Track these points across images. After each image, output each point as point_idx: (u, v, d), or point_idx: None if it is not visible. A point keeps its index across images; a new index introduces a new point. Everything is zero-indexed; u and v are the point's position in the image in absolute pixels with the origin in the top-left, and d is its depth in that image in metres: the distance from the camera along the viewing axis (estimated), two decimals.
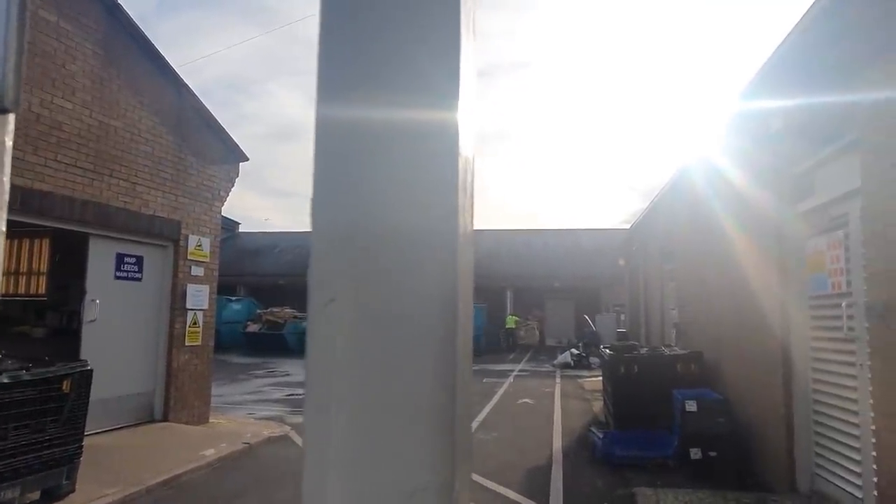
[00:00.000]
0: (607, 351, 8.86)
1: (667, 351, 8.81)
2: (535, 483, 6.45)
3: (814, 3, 4.54)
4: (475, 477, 6.53)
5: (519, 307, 30.77)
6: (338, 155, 0.43)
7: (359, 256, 0.42)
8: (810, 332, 5.49)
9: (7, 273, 10.20)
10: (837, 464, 4.96)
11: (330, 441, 0.41)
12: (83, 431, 5.60)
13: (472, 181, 0.45)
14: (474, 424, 9.62)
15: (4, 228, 0.53)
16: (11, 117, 0.47)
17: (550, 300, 31.36)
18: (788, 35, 5.02)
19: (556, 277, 29.55)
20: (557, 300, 31.06)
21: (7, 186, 0.53)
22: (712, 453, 6.38)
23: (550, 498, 5.97)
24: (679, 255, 11.31)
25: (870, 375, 4.26)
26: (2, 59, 0.41)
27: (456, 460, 0.40)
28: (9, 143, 0.51)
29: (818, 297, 5.35)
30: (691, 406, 6.60)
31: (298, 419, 9.89)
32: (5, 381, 4.83)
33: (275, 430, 8.62)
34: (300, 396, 12.69)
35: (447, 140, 0.41)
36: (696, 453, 6.42)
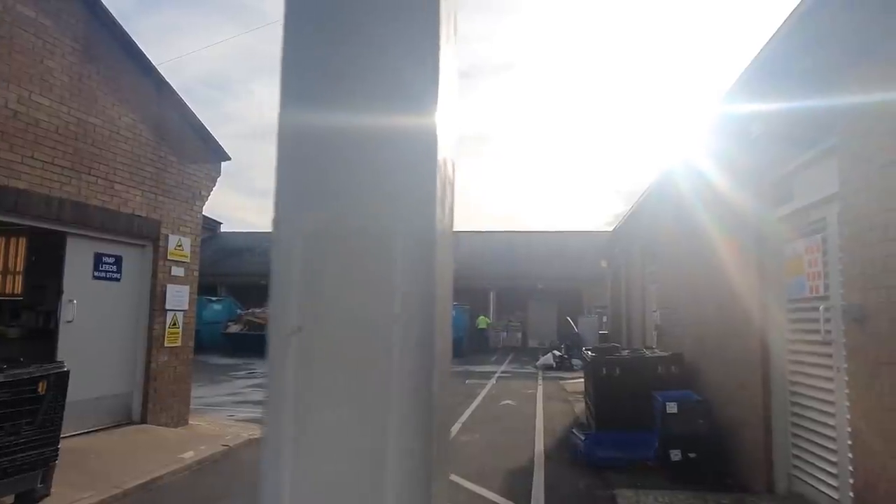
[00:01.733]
0: (589, 353, 8.90)
1: (648, 353, 8.87)
2: (518, 485, 6.46)
3: (793, 11, 4.59)
4: (458, 479, 6.52)
5: (502, 308, 30.84)
6: (305, 162, 0.41)
7: (331, 266, 0.40)
8: (789, 334, 5.56)
9: None
10: (814, 465, 5.03)
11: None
12: (59, 434, 5.50)
13: (453, 184, 0.44)
14: (457, 426, 9.62)
15: None
16: None
17: (533, 301, 31.46)
18: (769, 41, 5.08)
19: (539, 279, 29.65)
20: (540, 302, 31.16)
21: None
22: (692, 455, 6.43)
23: (532, 499, 5.98)
24: (661, 258, 11.40)
25: (846, 378, 4.32)
26: None
27: (435, 467, 0.39)
28: None
29: (797, 301, 5.42)
30: (672, 408, 6.65)
31: None
32: None
33: (255, 431, 8.54)
34: None
35: (426, 143, 0.40)
36: (676, 455, 6.47)
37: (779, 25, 4.85)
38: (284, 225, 0.41)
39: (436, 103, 0.41)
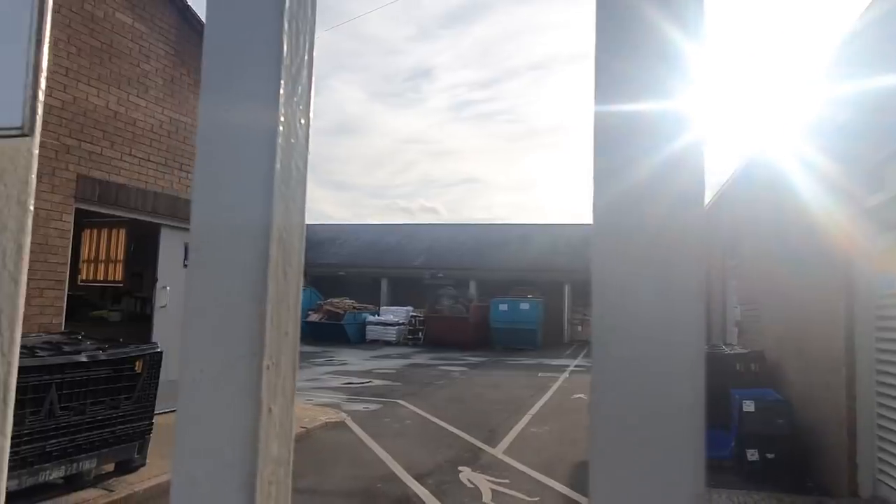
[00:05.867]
0: None
1: (727, 349, 8.57)
2: (585, 477, 6.43)
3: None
4: (525, 469, 6.58)
5: (577, 301, 30.41)
6: (213, 156, 0.45)
7: (200, 260, 0.44)
8: (876, 332, 5.26)
9: (88, 260, 10.92)
10: None
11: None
12: (153, 410, 5.96)
13: (303, 177, 0.47)
14: (526, 418, 9.65)
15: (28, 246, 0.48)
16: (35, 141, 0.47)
17: None
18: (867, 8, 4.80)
19: None
20: None
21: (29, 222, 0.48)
22: (770, 455, 6.20)
23: None
24: (744, 252, 10.94)
25: None
26: (26, 83, 0.44)
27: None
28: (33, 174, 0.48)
29: (886, 296, 5.11)
30: (749, 406, 6.42)
31: (355, 406, 10.17)
32: (84, 359, 5.21)
33: (332, 416, 8.89)
34: (357, 385, 13.02)
35: (265, 134, 0.43)
36: (752, 454, 6.26)
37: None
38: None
39: (278, 93, 0.43)
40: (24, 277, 0.45)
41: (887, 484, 4.98)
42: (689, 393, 0.39)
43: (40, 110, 0.43)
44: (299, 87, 0.46)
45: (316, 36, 0.47)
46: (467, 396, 11.94)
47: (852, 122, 5.63)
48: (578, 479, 6.37)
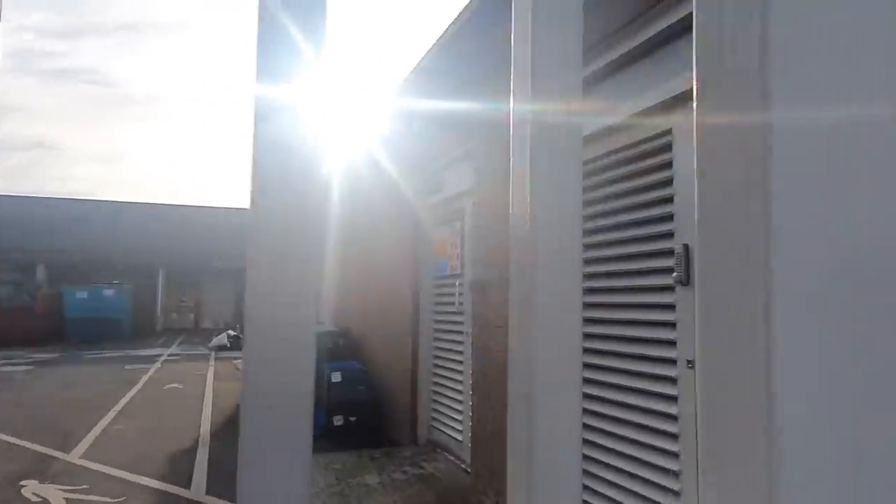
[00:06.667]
0: None
1: (320, 327, 9.31)
2: (179, 467, 6.22)
3: (449, 25, 5.29)
4: (106, 469, 6.00)
5: (173, 288, 28.68)
6: None
7: None
8: (434, 307, 6.46)
9: None
10: (447, 416, 5.98)
11: None
12: None
13: None
14: (111, 415, 8.74)
15: None
16: None
17: (209, 281, 29.90)
18: (429, 51, 5.76)
19: (215, 256, 28.27)
20: (217, 280, 29.76)
21: None
22: (353, 418, 7.02)
23: (193, 480, 5.83)
24: (335, 234, 11.94)
25: (471, 341, 5.23)
26: None
27: None
28: None
29: (441, 278, 6.32)
30: (336, 377, 7.14)
31: None
32: None
33: None
34: None
35: None
36: (338, 420, 6.99)
37: (437, 37, 5.55)
38: None
39: None
40: None
41: (438, 429, 6.20)
42: (304, 379, 0.51)
43: None
44: None
45: None
46: (34, 400, 10.17)
47: (422, 134, 6.74)
48: (171, 470, 6.12)
